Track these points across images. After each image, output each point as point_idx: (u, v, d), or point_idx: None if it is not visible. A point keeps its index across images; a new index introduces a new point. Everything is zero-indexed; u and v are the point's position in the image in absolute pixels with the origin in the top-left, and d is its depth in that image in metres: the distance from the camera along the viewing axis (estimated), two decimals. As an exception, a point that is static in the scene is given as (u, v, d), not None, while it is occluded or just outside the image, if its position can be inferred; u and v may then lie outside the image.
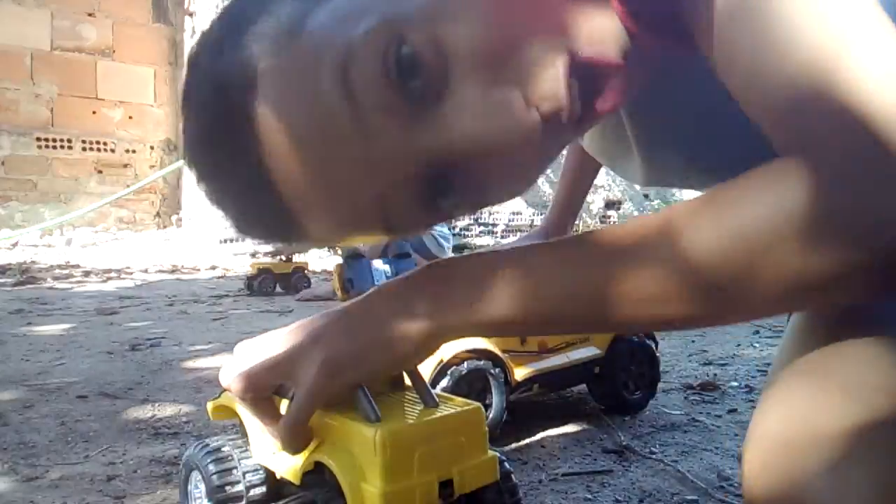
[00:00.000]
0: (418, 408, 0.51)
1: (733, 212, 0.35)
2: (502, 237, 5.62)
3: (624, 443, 0.96)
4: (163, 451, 0.95)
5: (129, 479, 0.86)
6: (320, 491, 0.49)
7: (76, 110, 4.91)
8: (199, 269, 3.83)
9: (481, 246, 5.12)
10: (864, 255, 0.33)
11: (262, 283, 2.83)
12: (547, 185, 5.95)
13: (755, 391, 1.25)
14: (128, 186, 4.94)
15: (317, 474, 0.50)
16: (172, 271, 3.74)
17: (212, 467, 0.59)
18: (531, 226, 5.82)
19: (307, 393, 0.47)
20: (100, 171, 5.01)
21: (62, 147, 4.86)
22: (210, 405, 0.62)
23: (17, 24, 4.68)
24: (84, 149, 4.94)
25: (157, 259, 4.15)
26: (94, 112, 4.98)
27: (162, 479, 0.86)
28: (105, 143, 5.03)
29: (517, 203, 5.77)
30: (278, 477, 0.56)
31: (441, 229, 3.21)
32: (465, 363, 0.90)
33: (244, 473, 0.59)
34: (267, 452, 0.56)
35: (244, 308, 2.45)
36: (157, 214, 5.26)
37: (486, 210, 5.56)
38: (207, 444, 0.61)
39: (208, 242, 4.55)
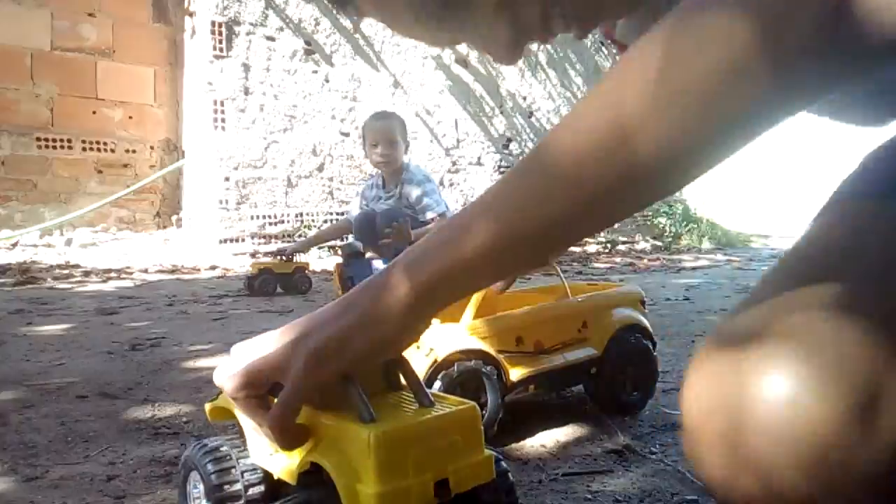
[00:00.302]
0: (413, 407, 0.51)
1: (676, 87, 0.36)
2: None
3: (624, 443, 0.96)
4: (163, 451, 0.95)
5: (129, 479, 0.86)
6: (316, 491, 0.49)
7: (76, 110, 4.91)
8: (199, 269, 3.83)
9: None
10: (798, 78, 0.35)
11: (262, 284, 2.82)
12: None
13: (755, 391, 1.25)
14: (128, 186, 4.94)
15: (313, 474, 0.50)
16: (172, 271, 3.74)
17: (210, 467, 0.59)
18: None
19: (292, 385, 0.47)
20: (100, 171, 5.00)
21: (62, 147, 4.86)
22: (208, 406, 0.62)
23: (17, 24, 4.67)
24: (84, 149, 4.93)
25: (157, 259, 4.15)
26: (94, 112, 4.98)
27: (162, 479, 0.86)
28: (105, 143, 5.02)
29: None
30: (276, 477, 0.56)
31: None
32: (456, 364, 0.90)
33: (242, 473, 0.59)
34: (264, 453, 0.56)
35: (244, 308, 2.45)
36: (157, 214, 5.26)
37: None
38: (206, 444, 0.62)
39: (208, 242, 4.55)
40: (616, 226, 5.14)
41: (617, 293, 1.13)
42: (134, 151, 5.15)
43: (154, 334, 1.86)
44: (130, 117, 5.12)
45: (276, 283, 2.87)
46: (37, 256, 4.05)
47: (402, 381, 0.55)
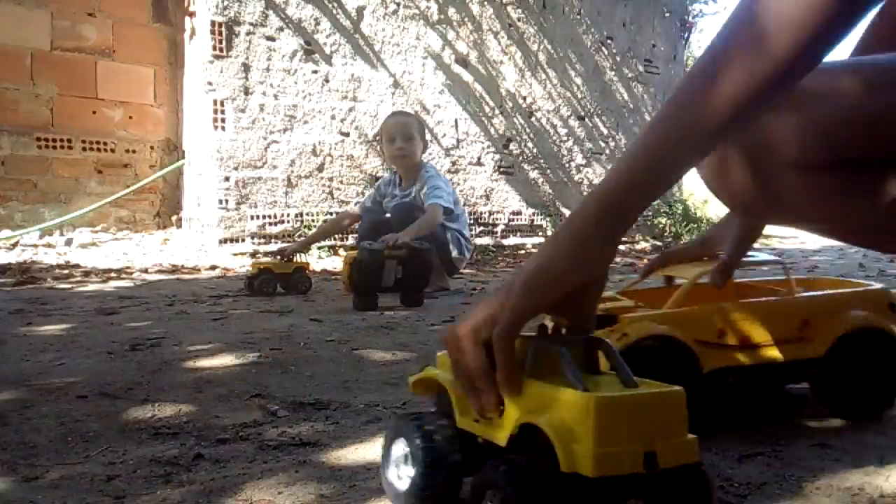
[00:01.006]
0: (618, 387, 0.57)
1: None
2: (502, 237, 5.63)
3: (624, 443, 0.96)
4: (163, 451, 0.95)
5: (129, 479, 0.86)
6: (525, 454, 0.55)
7: (76, 110, 4.90)
8: (199, 269, 3.83)
9: (480, 245, 5.11)
10: None
11: (262, 283, 2.82)
12: (547, 186, 5.95)
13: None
14: (128, 186, 4.93)
15: (521, 438, 0.56)
16: (172, 271, 3.74)
17: (415, 434, 0.65)
18: (531, 225, 5.82)
19: (511, 309, 0.56)
20: (100, 171, 4.99)
21: (62, 147, 4.85)
22: (412, 379, 0.70)
23: (17, 24, 4.67)
24: (84, 149, 4.93)
25: (157, 259, 4.15)
26: (94, 112, 4.97)
27: (162, 479, 0.86)
28: (105, 143, 5.02)
29: (517, 203, 5.77)
30: (480, 441, 0.63)
31: (463, 231, 3.06)
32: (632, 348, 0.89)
33: (446, 439, 0.65)
34: (471, 417, 0.63)
35: (244, 308, 2.45)
36: (157, 214, 5.25)
37: (486, 211, 5.56)
38: (411, 415, 0.69)
39: (208, 242, 4.55)
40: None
41: (851, 293, 1.06)
42: (134, 151, 5.14)
43: (154, 334, 1.86)
44: (130, 117, 5.12)
45: (276, 283, 2.87)
46: (37, 256, 4.05)
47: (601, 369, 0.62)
